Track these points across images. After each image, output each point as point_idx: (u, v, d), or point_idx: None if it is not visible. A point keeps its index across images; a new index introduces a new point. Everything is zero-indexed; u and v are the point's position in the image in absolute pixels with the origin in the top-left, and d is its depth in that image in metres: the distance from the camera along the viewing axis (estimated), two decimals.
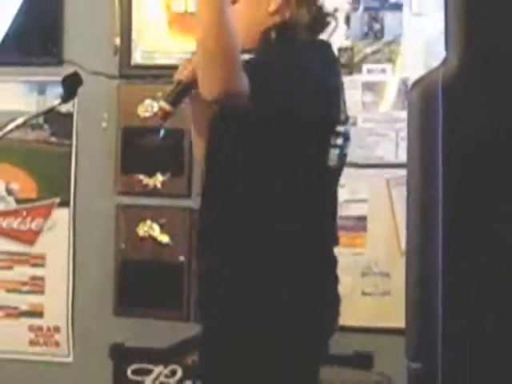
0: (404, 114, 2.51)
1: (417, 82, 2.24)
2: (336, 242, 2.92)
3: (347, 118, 2.89)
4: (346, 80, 3.96)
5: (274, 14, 2.80)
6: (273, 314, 2.71)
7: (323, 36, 2.97)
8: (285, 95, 2.63)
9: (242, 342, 2.74)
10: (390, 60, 4.04)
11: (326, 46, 2.97)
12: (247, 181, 2.71)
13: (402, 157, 2.81)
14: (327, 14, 2.92)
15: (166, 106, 2.71)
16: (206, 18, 2.47)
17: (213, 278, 2.84)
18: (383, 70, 4.03)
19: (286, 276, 2.73)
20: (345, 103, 2.96)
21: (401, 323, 2.21)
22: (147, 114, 4.14)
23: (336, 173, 2.87)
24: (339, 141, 2.84)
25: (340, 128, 2.85)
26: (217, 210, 2.84)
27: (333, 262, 2.90)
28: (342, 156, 2.87)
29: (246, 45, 2.73)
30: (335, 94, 2.85)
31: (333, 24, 2.96)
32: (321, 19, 2.90)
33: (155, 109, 3.70)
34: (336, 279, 2.93)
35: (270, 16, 2.81)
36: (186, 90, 2.78)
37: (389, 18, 4.05)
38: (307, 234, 2.75)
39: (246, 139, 2.69)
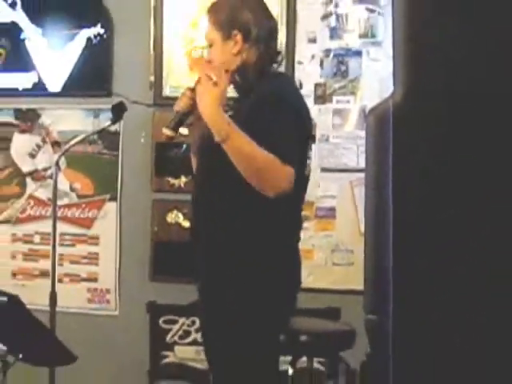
0: (363, 133, 2.47)
1: (373, 109, 2.20)
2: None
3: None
4: (321, 107, 4.02)
5: (236, 55, 2.77)
6: (258, 269, 2.67)
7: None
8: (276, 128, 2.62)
9: (236, 287, 2.70)
10: (353, 93, 4.01)
11: (290, 77, 2.94)
12: (238, 189, 2.65)
13: (362, 164, 2.82)
14: (276, 52, 2.86)
15: (168, 132, 2.75)
16: (242, 161, 2.56)
17: (212, 250, 2.81)
18: (348, 101, 4.00)
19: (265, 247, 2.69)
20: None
21: (361, 286, 2.17)
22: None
23: (308, 180, 2.83)
24: (310, 153, 2.83)
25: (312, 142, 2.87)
26: (210, 209, 2.79)
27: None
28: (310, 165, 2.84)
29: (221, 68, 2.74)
30: (309, 115, 2.83)
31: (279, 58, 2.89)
32: (270, 56, 2.83)
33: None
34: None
35: (234, 57, 2.77)
36: (182, 118, 2.79)
37: (352, 62, 4.01)
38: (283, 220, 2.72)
39: None
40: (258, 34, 2.77)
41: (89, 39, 4.38)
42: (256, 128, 2.61)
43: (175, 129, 2.78)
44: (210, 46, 2.84)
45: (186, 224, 4.18)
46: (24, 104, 4.51)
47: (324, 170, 3.85)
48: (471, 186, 2.05)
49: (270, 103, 2.66)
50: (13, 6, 4.46)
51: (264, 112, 2.66)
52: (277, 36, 2.91)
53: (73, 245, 4.43)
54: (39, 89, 4.45)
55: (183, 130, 3.62)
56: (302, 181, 2.74)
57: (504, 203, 2.02)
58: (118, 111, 3.41)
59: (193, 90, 2.78)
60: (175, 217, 4.28)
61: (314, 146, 3.69)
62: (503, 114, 2.03)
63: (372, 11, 4.00)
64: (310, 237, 3.85)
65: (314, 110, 3.91)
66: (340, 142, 4.00)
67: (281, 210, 2.66)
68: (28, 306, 2.55)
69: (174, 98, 4.15)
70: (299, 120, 2.70)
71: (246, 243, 2.70)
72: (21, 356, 2.55)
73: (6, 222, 4.52)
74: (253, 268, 2.68)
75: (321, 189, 3.41)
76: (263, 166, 2.57)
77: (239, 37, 2.76)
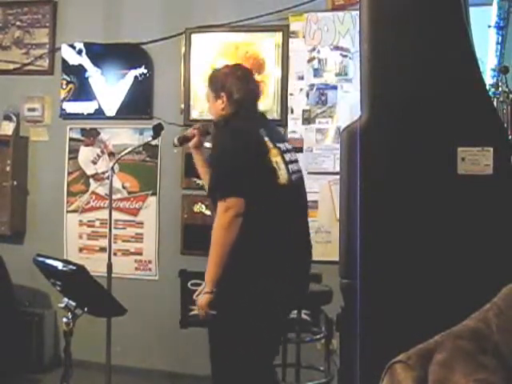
0: (338, 146, 2.49)
1: (345, 128, 2.22)
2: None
3: (287, 149, 2.79)
4: (307, 127, 4.02)
5: (222, 110, 2.79)
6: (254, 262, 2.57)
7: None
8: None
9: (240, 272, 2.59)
10: (331, 116, 4.00)
11: (259, 116, 2.88)
12: None
13: (337, 168, 2.82)
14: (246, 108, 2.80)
15: (176, 143, 3.16)
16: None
17: None
18: (327, 122, 3.98)
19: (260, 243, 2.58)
20: (283, 140, 2.90)
21: (336, 258, 2.19)
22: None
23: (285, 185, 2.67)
24: (281, 165, 2.69)
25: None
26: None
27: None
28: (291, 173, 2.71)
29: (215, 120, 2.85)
30: (256, 142, 2.68)
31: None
32: (245, 108, 2.79)
33: None
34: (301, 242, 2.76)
35: (221, 111, 2.80)
36: (185, 140, 3.11)
37: (330, 93, 4.00)
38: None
39: None
40: (238, 98, 2.78)
41: (135, 77, 4.38)
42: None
43: (181, 144, 3.20)
44: (208, 101, 2.93)
45: (208, 213, 4.19)
46: (88, 125, 4.51)
47: (309, 172, 3.84)
48: (419, 181, 2.06)
49: (217, 150, 2.75)
50: (79, 52, 4.47)
51: (211, 161, 2.80)
52: (256, 97, 2.88)
53: (124, 228, 4.42)
54: (99, 113, 4.45)
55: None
56: (275, 189, 2.63)
57: (447, 192, 2.03)
58: (158, 130, 3.42)
59: (197, 128, 3.08)
60: (199, 207, 4.27)
61: (301, 155, 3.72)
62: (432, 130, 2.05)
63: (345, 56, 3.99)
64: None
65: (301, 128, 4.00)
66: (321, 152, 3.99)
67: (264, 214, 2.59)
68: (91, 273, 2.55)
69: (199, 120, 4.21)
70: (238, 159, 2.60)
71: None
72: (86, 309, 2.55)
73: (75, 211, 4.52)
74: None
75: (307, 187, 3.38)
76: (220, 242, 2.58)
77: (225, 97, 2.79)
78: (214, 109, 2.84)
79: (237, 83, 2.78)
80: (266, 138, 2.69)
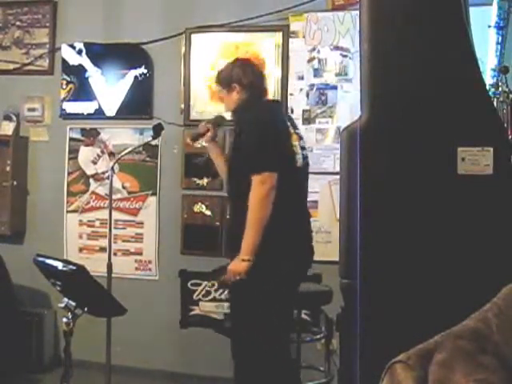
0: (338, 146, 2.46)
1: (345, 128, 2.22)
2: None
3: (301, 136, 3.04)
4: (307, 127, 4.01)
5: (238, 99, 3.03)
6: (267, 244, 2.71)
7: None
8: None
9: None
10: (331, 116, 3.99)
11: (270, 104, 3.10)
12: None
13: (337, 168, 2.82)
14: (264, 89, 3.06)
15: (192, 141, 3.43)
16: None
17: (231, 227, 2.91)
18: (327, 122, 3.98)
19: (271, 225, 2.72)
20: (297, 126, 3.09)
21: (336, 258, 2.19)
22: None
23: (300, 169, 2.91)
24: (298, 150, 2.95)
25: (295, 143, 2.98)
26: (234, 194, 2.94)
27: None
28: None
29: (230, 111, 3.08)
30: (281, 127, 2.91)
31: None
32: (259, 93, 3.04)
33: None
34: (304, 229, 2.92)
35: (238, 100, 3.03)
36: (200, 136, 3.25)
37: (330, 93, 4.00)
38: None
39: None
40: (247, 82, 3.00)
41: (135, 77, 4.37)
42: (241, 150, 2.83)
43: (194, 141, 3.42)
44: (222, 100, 3.14)
45: (208, 213, 4.19)
46: (88, 125, 4.50)
47: (309, 172, 3.84)
48: (419, 181, 2.06)
49: (246, 129, 2.86)
50: (79, 52, 4.46)
51: (241, 137, 2.85)
52: (262, 78, 3.11)
53: (124, 228, 4.42)
54: (99, 113, 4.44)
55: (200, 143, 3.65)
56: (294, 170, 2.87)
57: (446, 189, 2.03)
58: (157, 130, 3.41)
59: (208, 122, 3.20)
60: (199, 207, 4.26)
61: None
62: (432, 131, 2.05)
63: (345, 56, 3.99)
64: None
65: (301, 128, 3.91)
66: (321, 152, 3.98)
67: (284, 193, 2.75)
68: (91, 273, 2.55)
69: (199, 121, 4.19)
70: (269, 134, 2.81)
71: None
72: (86, 309, 2.55)
73: (75, 211, 4.52)
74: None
75: (309, 186, 3.37)
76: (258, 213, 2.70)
77: (237, 86, 3.01)
78: (232, 102, 3.05)
79: (241, 71, 3.03)
80: (288, 123, 2.96)
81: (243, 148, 2.83)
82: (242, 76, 3.01)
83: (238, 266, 2.73)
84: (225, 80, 3.07)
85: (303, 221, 2.94)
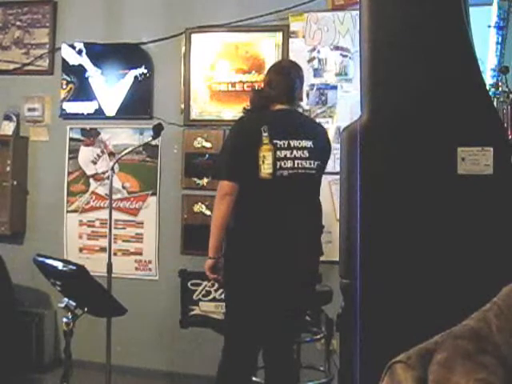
0: (338, 145, 2.45)
1: (345, 128, 2.21)
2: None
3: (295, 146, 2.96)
4: None
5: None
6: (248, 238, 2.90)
7: None
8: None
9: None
10: (331, 116, 4.00)
11: (279, 112, 3.03)
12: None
13: (337, 168, 2.83)
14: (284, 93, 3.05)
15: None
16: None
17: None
18: (327, 122, 3.96)
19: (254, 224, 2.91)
20: (299, 137, 2.97)
21: (337, 258, 2.18)
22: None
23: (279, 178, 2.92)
24: (280, 155, 2.93)
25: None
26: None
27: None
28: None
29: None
30: (254, 132, 2.91)
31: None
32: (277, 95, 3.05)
33: None
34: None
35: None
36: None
37: (330, 93, 4.01)
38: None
39: None
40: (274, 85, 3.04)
41: (135, 77, 4.38)
42: None
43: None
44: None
45: (207, 212, 4.19)
46: (88, 125, 4.51)
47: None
48: (419, 181, 2.05)
49: None
50: (79, 52, 4.46)
51: None
52: (287, 84, 3.05)
53: (124, 228, 4.42)
54: (99, 113, 4.44)
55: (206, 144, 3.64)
56: (258, 181, 2.89)
57: (444, 189, 2.03)
58: (157, 130, 3.41)
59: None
60: (199, 207, 4.26)
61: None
62: (432, 130, 2.04)
63: (345, 56, 3.99)
64: None
65: None
66: None
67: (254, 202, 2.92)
68: (91, 273, 2.55)
69: (199, 121, 4.23)
70: (231, 144, 2.98)
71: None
72: (86, 309, 2.55)
73: (75, 211, 4.52)
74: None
75: None
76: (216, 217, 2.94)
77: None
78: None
79: (273, 75, 3.11)
80: (265, 134, 2.88)
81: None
82: (271, 79, 3.08)
83: (205, 263, 2.99)
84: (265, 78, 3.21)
85: (283, 229, 2.88)
